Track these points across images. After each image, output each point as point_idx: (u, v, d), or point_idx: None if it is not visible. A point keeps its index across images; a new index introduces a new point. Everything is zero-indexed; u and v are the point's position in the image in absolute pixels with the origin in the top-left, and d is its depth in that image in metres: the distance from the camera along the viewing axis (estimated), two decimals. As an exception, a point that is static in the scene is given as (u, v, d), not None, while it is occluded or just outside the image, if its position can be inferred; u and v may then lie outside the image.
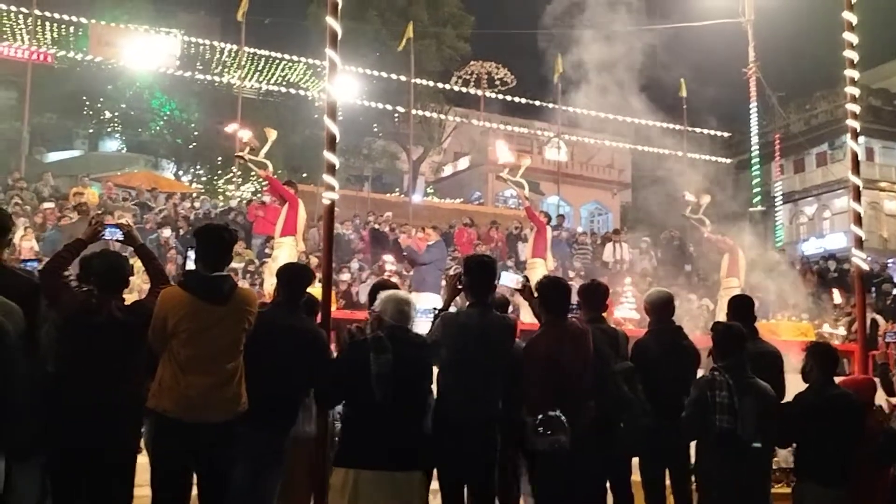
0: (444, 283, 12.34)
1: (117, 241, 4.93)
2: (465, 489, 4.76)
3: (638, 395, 5.08)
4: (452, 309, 5.18)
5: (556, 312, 4.95)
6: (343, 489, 4.10)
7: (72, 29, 27.00)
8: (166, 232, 13.70)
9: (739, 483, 4.72)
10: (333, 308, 6.72)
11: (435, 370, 5.03)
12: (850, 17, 6.60)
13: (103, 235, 4.76)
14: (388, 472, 4.11)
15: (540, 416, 4.64)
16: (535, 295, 5.10)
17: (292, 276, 4.96)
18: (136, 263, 5.03)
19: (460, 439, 4.64)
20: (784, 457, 6.11)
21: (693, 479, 5.22)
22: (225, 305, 4.35)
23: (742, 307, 5.66)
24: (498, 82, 36.42)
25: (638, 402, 5.06)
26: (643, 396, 5.11)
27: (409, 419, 4.30)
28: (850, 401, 4.98)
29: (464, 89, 33.74)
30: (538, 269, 11.44)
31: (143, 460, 4.50)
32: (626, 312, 11.95)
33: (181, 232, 14.44)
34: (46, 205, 14.20)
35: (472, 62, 36.49)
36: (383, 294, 4.73)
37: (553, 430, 4.62)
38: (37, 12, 22.44)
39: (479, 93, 34.73)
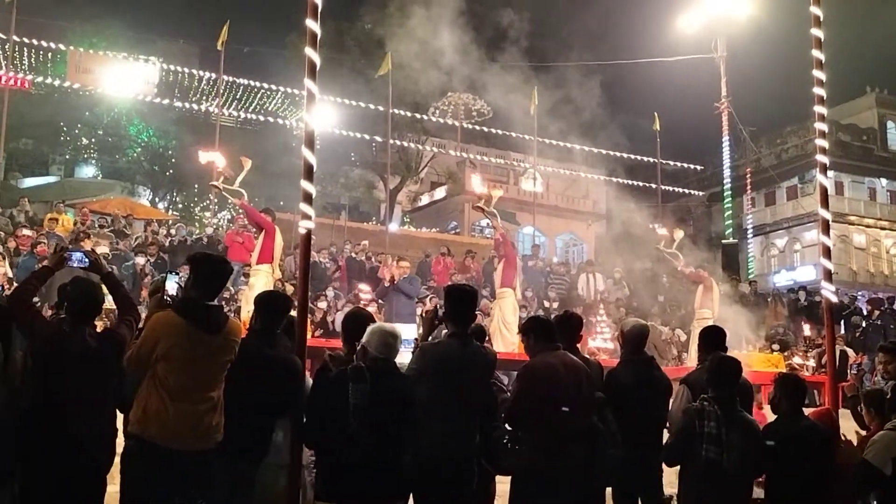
0: (419, 312, 12.39)
1: (83, 268, 4.90)
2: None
3: (609, 426, 5.10)
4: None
5: (549, 342, 5.04)
6: None
7: (50, 55, 26.94)
8: (141, 259, 13.63)
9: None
10: (309, 336, 6.71)
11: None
12: (819, 55, 6.75)
13: (70, 262, 4.74)
14: None
15: (513, 430, 4.67)
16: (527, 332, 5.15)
17: (270, 304, 4.95)
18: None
19: (437, 475, 4.61)
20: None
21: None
22: (218, 335, 4.35)
23: (713, 338, 5.71)
24: (475, 113, 36.66)
25: (609, 433, 5.08)
26: (614, 427, 5.14)
27: (385, 451, 4.25)
28: (819, 431, 5.04)
29: (441, 120, 33.92)
30: (507, 299, 11.56)
31: (111, 489, 4.45)
32: (600, 343, 12.03)
33: (153, 259, 14.36)
34: (26, 231, 14.09)
35: (449, 93, 36.75)
36: (371, 326, 4.76)
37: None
38: (15, 38, 22.36)
39: (457, 123, 34.94)
